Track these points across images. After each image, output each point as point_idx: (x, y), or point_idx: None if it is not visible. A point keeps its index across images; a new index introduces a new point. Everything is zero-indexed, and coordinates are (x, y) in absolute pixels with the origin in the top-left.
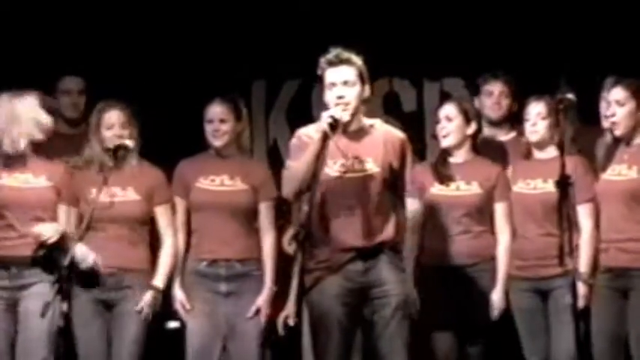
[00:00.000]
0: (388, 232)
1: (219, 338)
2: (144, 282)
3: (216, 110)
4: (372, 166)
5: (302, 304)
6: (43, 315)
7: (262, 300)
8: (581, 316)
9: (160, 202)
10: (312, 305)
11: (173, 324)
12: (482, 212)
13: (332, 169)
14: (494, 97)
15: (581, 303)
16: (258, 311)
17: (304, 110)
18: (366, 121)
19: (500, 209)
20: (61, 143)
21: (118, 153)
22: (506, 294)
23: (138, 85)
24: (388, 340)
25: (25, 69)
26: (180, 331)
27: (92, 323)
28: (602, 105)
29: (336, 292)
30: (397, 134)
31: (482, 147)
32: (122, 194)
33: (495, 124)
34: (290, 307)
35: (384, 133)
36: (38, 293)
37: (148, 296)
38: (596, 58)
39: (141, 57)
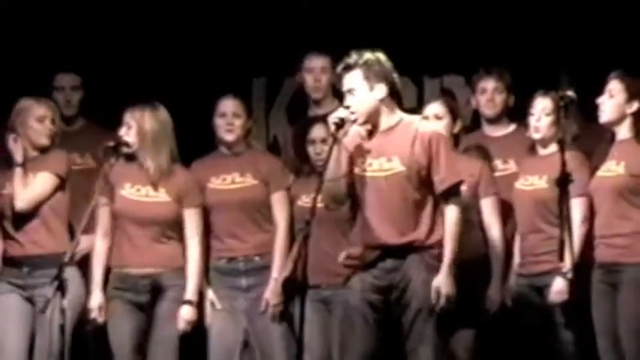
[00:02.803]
0: (420, 231)
1: (239, 334)
2: (177, 282)
3: (229, 104)
4: (398, 165)
5: (304, 302)
6: (42, 311)
7: (269, 292)
8: (575, 312)
9: (190, 205)
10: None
11: None
12: (468, 209)
13: (360, 168)
14: (487, 93)
15: (556, 298)
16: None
17: (305, 107)
18: (404, 118)
19: (486, 205)
20: (56, 141)
21: (118, 149)
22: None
23: (137, 83)
24: (413, 344)
25: (25, 66)
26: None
27: (125, 324)
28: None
29: (362, 289)
30: (428, 129)
31: (479, 144)
32: (154, 194)
33: (492, 120)
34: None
35: (416, 130)
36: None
37: (185, 312)
38: (598, 55)
39: (141, 54)
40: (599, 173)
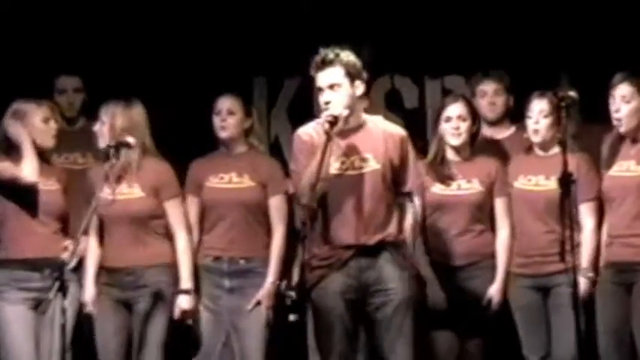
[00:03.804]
0: (390, 229)
1: (222, 334)
2: (161, 278)
3: (224, 102)
4: (373, 163)
5: (305, 301)
6: (43, 312)
7: (262, 294)
8: (583, 312)
9: (168, 197)
10: (315, 302)
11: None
12: (483, 210)
13: (333, 166)
14: (488, 96)
15: (581, 298)
16: (258, 304)
17: (306, 107)
18: (367, 118)
19: (499, 204)
20: (57, 140)
21: (120, 150)
22: (505, 289)
23: (138, 83)
24: (391, 339)
25: (27, 68)
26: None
27: (110, 321)
28: (611, 102)
29: (338, 289)
30: (397, 131)
31: (481, 147)
32: (128, 191)
33: (492, 123)
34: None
35: (385, 130)
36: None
37: (181, 301)
38: (599, 55)
39: (142, 54)
40: (615, 173)
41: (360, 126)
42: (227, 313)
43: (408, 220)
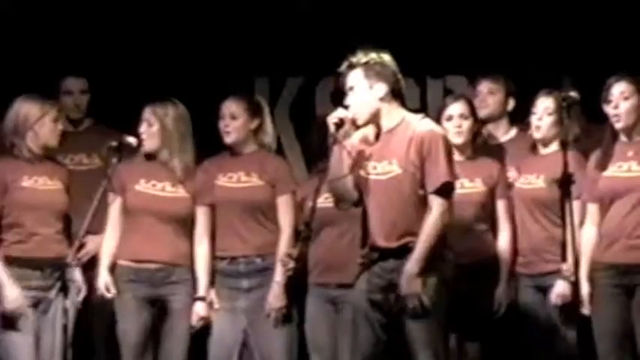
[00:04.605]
0: (417, 233)
1: (239, 334)
2: (188, 277)
3: (226, 106)
4: (396, 168)
5: (304, 304)
6: (44, 312)
7: (272, 295)
8: (577, 313)
9: (202, 203)
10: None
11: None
12: (485, 210)
13: (365, 171)
14: (481, 95)
15: (558, 300)
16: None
17: (307, 107)
18: (405, 118)
19: (501, 206)
20: (63, 142)
21: (121, 150)
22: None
23: (139, 83)
24: (413, 341)
25: (31, 69)
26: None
27: (134, 322)
28: (609, 100)
29: (365, 287)
30: (423, 130)
31: (480, 147)
32: (173, 190)
33: (484, 121)
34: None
35: (414, 131)
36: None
37: (199, 308)
38: (600, 56)
39: (143, 55)
40: (614, 173)
41: (392, 129)
42: (245, 313)
43: (426, 223)
